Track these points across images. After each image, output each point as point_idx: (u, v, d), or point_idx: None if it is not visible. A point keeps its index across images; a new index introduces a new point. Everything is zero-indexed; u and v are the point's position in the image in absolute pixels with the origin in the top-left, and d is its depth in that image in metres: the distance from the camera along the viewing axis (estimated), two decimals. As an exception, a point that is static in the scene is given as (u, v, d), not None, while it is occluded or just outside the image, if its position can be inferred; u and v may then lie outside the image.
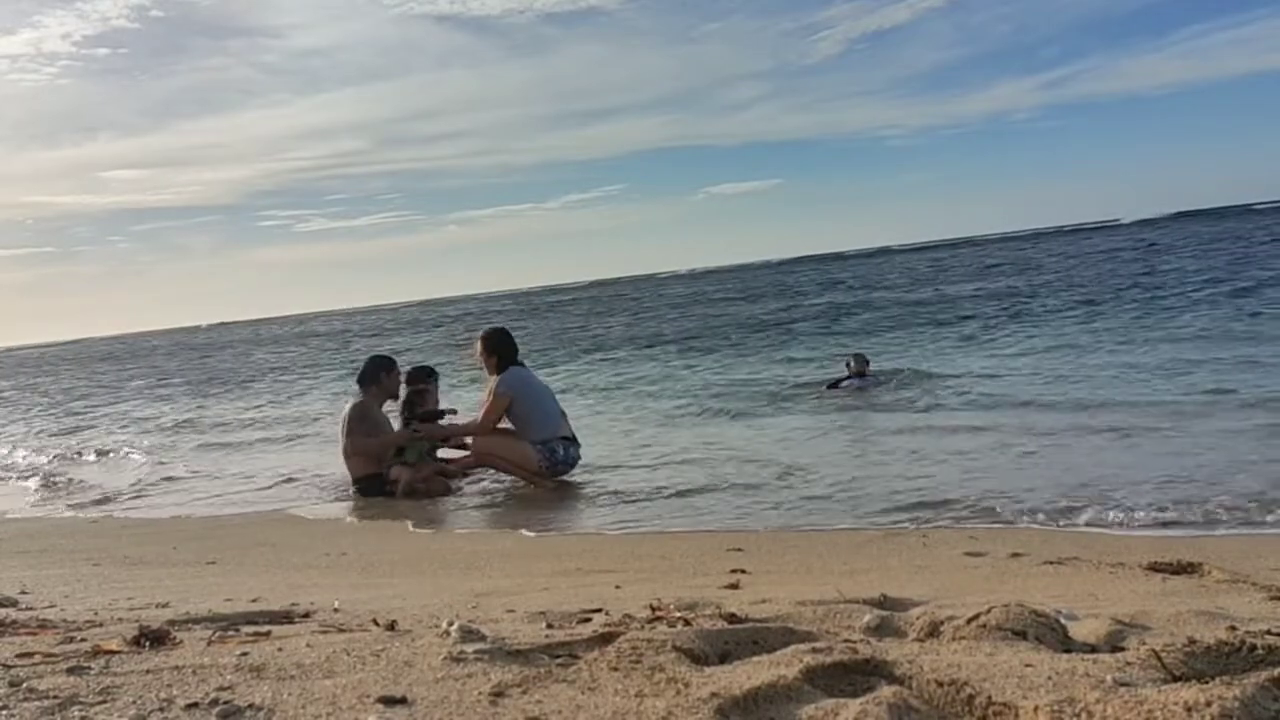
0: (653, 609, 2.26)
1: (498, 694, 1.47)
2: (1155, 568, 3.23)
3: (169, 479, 8.87)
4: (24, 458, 11.79)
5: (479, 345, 7.20)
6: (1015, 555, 3.74)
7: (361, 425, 7.28)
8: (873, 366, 11.33)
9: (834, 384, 11.05)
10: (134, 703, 1.47)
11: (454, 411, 7.55)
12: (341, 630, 2.07)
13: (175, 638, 1.94)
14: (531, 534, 5.29)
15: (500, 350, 7.08)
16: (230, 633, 2.05)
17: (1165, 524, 4.44)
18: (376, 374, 7.49)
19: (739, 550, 4.16)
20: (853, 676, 1.49)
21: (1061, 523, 4.60)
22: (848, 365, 11.22)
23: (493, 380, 6.99)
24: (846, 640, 1.75)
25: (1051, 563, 3.50)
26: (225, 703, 1.46)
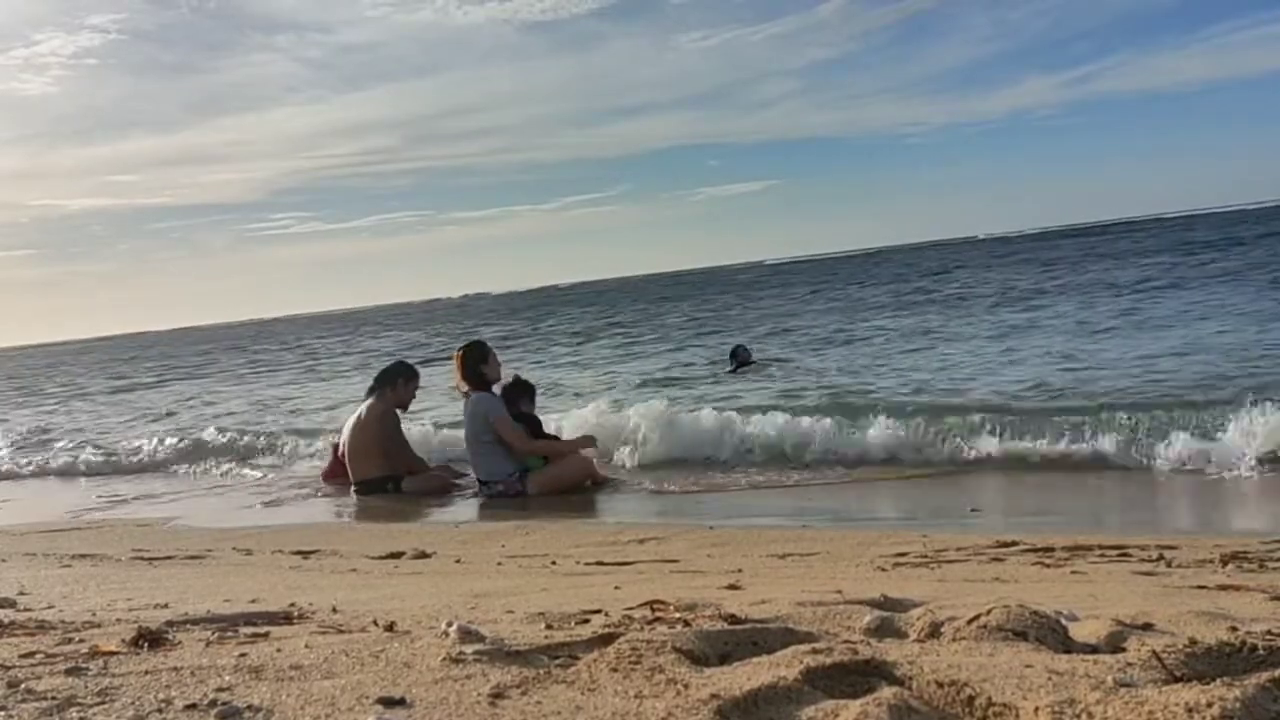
0: (652, 609, 2.26)
1: (497, 695, 1.47)
2: (1153, 572, 3.23)
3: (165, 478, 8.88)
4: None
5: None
6: (1015, 556, 3.73)
7: (383, 427, 7.28)
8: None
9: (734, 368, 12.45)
10: (132, 704, 1.47)
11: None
12: (340, 631, 2.07)
13: (174, 639, 1.94)
14: (531, 534, 5.28)
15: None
16: (229, 634, 2.05)
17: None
18: (394, 379, 7.51)
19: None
20: (853, 677, 1.49)
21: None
22: (733, 355, 12.79)
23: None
24: (846, 641, 1.75)
25: (1050, 564, 3.49)
26: (224, 704, 1.45)
